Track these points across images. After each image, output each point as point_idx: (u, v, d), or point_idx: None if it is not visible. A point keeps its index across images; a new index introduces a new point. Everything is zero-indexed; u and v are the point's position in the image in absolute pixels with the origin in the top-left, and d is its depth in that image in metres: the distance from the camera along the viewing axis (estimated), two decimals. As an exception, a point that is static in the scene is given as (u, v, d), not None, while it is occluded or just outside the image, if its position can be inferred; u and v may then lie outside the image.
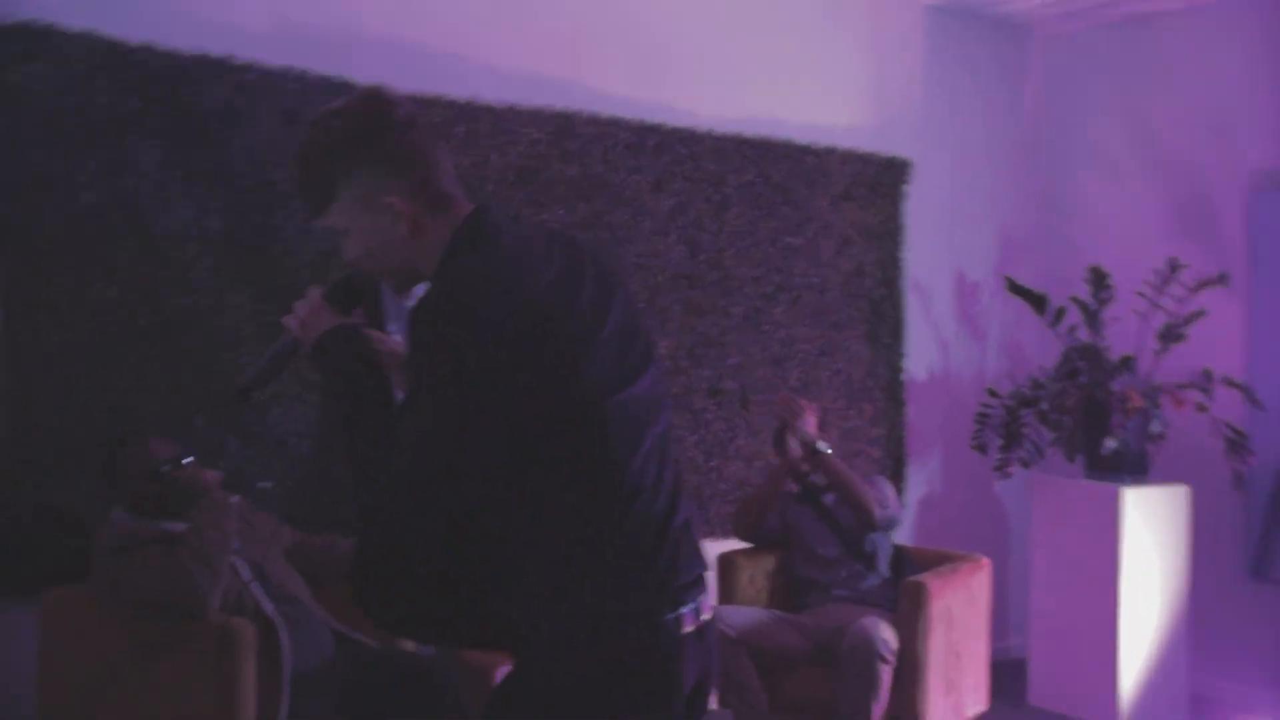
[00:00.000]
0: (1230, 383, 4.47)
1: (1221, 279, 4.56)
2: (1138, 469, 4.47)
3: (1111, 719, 4.32)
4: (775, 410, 3.92)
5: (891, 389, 4.82)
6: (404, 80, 3.66)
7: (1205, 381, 4.44)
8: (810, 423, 3.82)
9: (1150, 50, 5.08)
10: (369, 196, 1.59)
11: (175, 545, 2.72)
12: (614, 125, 4.14)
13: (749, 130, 4.47)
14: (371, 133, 1.58)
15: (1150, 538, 4.41)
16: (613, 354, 1.56)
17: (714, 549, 4.10)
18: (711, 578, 3.95)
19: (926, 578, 3.59)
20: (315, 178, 1.60)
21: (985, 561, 3.87)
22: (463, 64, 3.88)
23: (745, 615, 3.57)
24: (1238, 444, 4.38)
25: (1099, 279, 4.64)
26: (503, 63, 3.96)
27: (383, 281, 1.67)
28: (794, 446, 3.81)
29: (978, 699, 3.79)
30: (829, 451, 3.80)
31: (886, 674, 3.38)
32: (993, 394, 4.73)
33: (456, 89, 3.83)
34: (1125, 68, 5.16)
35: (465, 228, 1.59)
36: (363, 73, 3.58)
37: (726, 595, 3.77)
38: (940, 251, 5.07)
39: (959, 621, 3.66)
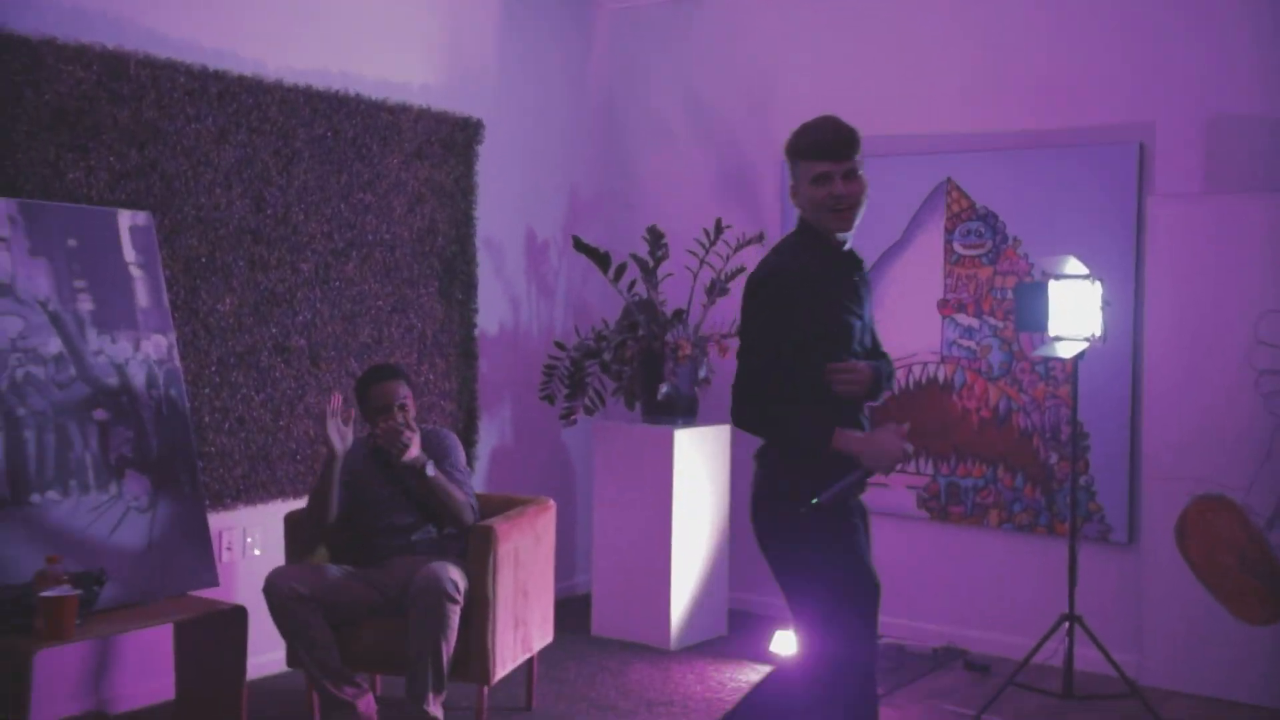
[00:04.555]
0: (765, 333, 4.94)
1: (760, 237, 5.02)
2: (688, 411, 4.85)
3: (664, 639, 4.70)
4: (380, 440, 3.65)
5: (464, 344, 4.89)
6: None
7: (744, 332, 4.88)
8: (416, 446, 3.64)
9: (700, 27, 5.46)
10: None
11: None
12: (171, 69, 3.86)
13: (320, 83, 4.34)
14: None
15: (698, 473, 4.81)
16: None
17: (280, 509, 4.01)
18: (276, 537, 3.89)
19: (494, 521, 3.70)
20: (857, 136, 2.67)
21: (550, 503, 4.04)
22: (-11, -9, 3.47)
23: (315, 572, 3.50)
24: (770, 387, 4.87)
25: (656, 238, 4.95)
26: (40, -7, 3.58)
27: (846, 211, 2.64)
28: (349, 435, 3.63)
29: (544, 633, 3.97)
30: (433, 473, 3.66)
31: (454, 613, 3.44)
32: (560, 347, 4.94)
33: (-19, 17, 3.43)
34: (680, 42, 5.52)
35: None
36: None
37: (294, 555, 3.69)
38: (512, 211, 5.19)
39: (526, 562, 3.82)
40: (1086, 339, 4.05)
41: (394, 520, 3.75)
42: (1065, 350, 4.09)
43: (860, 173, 2.65)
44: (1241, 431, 4.18)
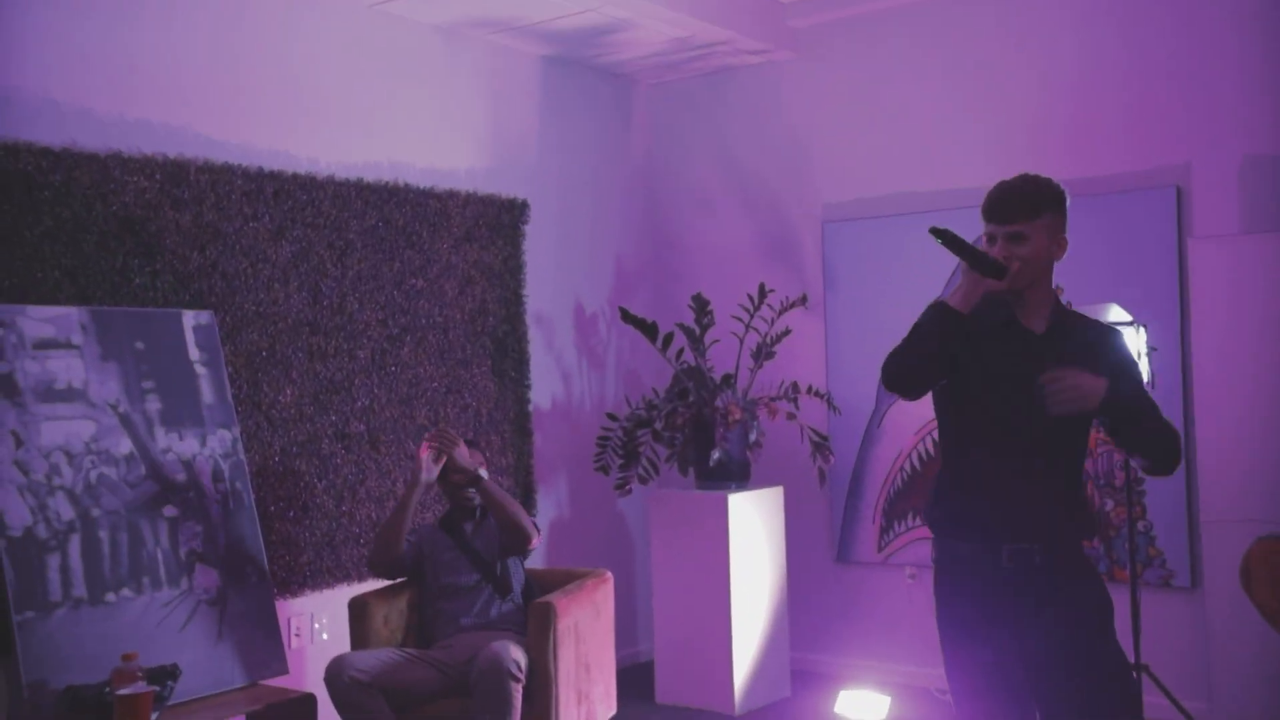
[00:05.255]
0: (813, 392, 4.91)
1: (803, 300, 5.00)
2: (741, 475, 4.81)
3: (728, 703, 4.63)
4: (429, 441, 3.83)
5: (518, 420, 4.91)
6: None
7: (793, 392, 4.86)
8: (464, 451, 3.81)
9: (736, 97, 5.49)
10: (1056, 228, 2.47)
11: None
12: (229, 172, 3.96)
13: (371, 175, 4.42)
14: (1066, 199, 2.49)
15: (754, 536, 4.75)
16: None
17: (347, 593, 4.02)
18: (344, 622, 3.91)
19: (554, 597, 3.68)
20: (1036, 199, 2.44)
21: (608, 575, 4.01)
22: (56, 109, 3.58)
23: (375, 658, 3.51)
24: (821, 446, 4.82)
25: (701, 306, 4.95)
26: (104, 108, 3.70)
27: (1007, 275, 2.41)
28: (435, 471, 3.80)
29: (607, 705, 3.93)
30: (486, 476, 3.80)
31: (517, 692, 3.43)
32: (612, 418, 4.94)
33: (49, 136, 3.54)
34: (717, 113, 5.55)
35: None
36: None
37: (360, 639, 3.70)
38: (560, 286, 5.22)
39: (586, 635, 3.78)
40: (1135, 386, 3.96)
41: (457, 580, 3.79)
42: (1115, 398, 4.00)
43: (1033, 238, 2.41)
44: (1300, 470, 4.06)
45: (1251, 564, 4.13)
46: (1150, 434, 2.43)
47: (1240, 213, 4.29)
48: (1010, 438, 2.44)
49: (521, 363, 4.94)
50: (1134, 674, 2.46)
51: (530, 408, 4.97)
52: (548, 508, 5.09)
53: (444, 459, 3.83)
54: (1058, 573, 2.43)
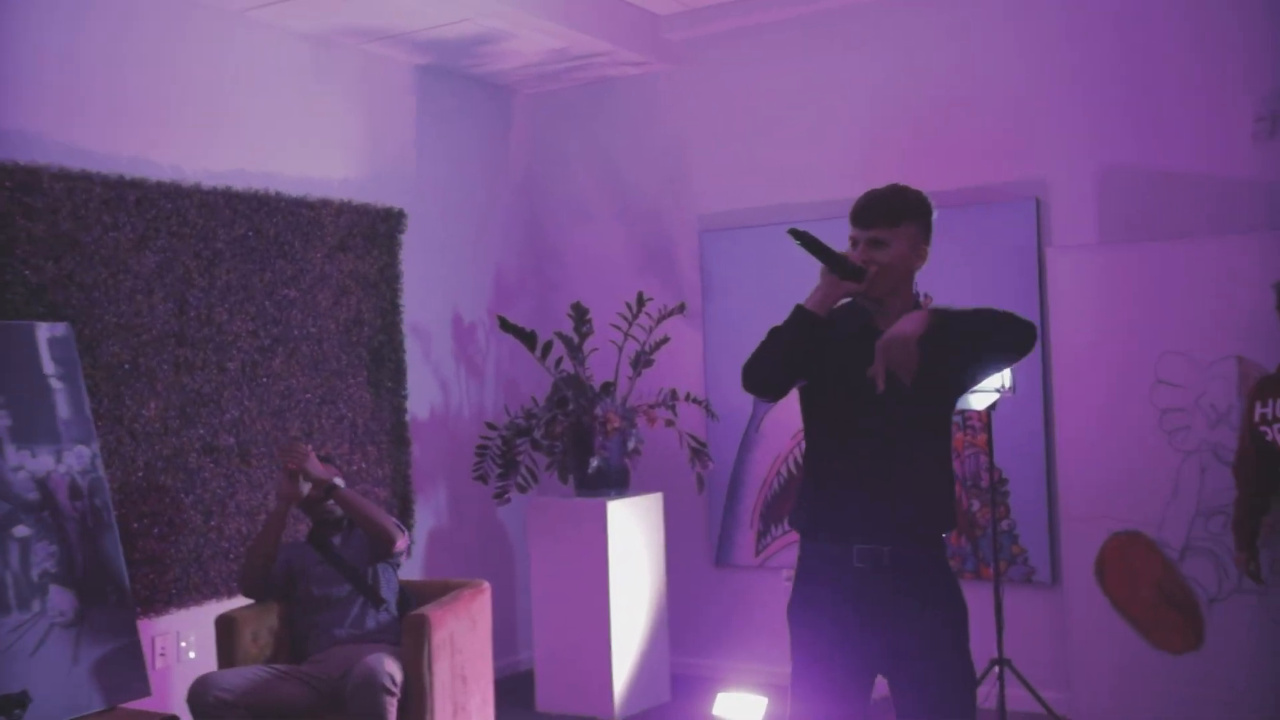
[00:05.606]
0: (692, 399, 4.92)
1: (681, 308, 5.00)
2: (620, 483, 4.79)
3: (608, 709, 4.60)
4: (278, 459, 3.77)
5: (395, 430, 4.81)
6: None
7: (672, 400, 4.86)
8: (315, 462, 3.72)
9: (616, 108, 5.48)
10: (918, 238, 2.48)
11: None
12: (87, 180, 3.78)
13: (240, 184, 4.28)
14: (931, 211, 2.51)
15: (633, 542, 4.74)
16: None
17: (216, 610, 3.87)
18: (211, 640, 3.77)
19: (429, 609, 3.61)
20: (899, 207, 2.47)
21: (485, 586, 3.95)
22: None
23: (241, 676, 3.38)
24: (700, 452, 4.83)
25: (580, 314, 4.92)
26: (-52, 114, 3.51)
27: (865, 278, 2.42)
28: (305, 488, 3.70)
29: (484, 716, 3.85)
30: (342, 485, 3.72)
31: (391, 706, 3.35)
32: (491, 426, 4.87)
33: (-112, 143, 3.34)
34: (597, 123, 5.53)
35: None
36: None
37: (227, 657, 3.56)
38: (438, 296, 5.13)
39: (463, 646, 3.71)
40: (997, 390, 4.06)
41: (330, 591, 3.70)
42: (978, 402, 4.10)
43: (893, 245, 2.43)
44: (1150, 469, 4.21)
45: (1105, 560, 4.28)
46: (991, 319, 2.42)
47: (1098, 223, 4.44)
48: (864, 440, 2.46)
49: (399, 373, 4.83)
50: (975, 689, 2.48)
51: (408, 418, 4.87)
52: (426, 518, 5.00)
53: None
54: (911, 575, 2.42)
